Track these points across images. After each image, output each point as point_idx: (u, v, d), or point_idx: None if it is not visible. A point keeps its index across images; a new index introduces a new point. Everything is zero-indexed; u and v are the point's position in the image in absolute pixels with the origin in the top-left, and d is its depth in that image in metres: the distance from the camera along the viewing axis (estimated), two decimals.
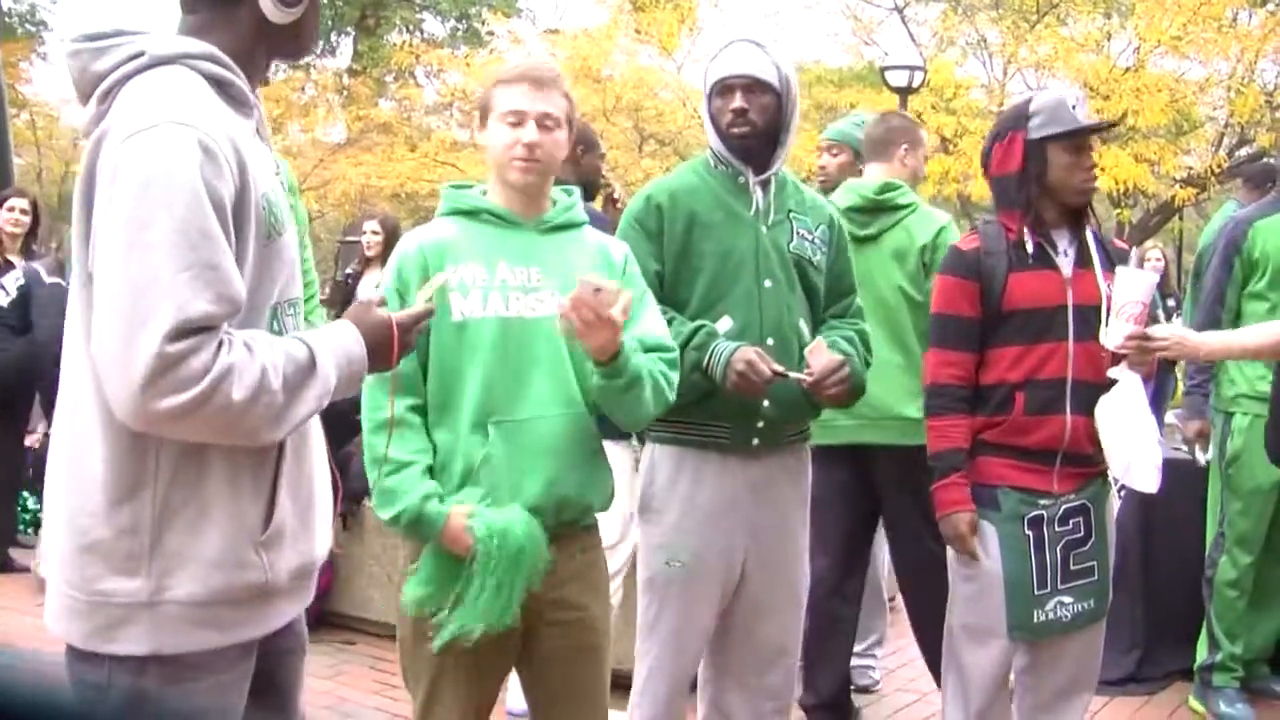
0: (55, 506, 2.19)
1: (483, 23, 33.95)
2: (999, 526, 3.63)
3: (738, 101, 3.52)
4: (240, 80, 2.20)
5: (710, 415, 3.48)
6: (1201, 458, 5.30)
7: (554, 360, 3.02)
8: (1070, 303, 3.62)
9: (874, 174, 4.81)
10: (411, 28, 37.44)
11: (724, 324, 3.46)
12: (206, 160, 2.02)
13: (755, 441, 3.53)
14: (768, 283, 3.52)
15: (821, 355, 3.44)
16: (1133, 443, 3.63)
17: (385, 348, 2.33)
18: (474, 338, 2.98)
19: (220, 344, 2.00)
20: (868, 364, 3.70)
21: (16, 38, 29.43)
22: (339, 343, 2.22)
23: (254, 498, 2.19)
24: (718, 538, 3.54)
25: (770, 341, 3.47)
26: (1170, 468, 5.10)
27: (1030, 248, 3.63)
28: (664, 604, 3.57)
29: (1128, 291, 3.56)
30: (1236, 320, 5.05)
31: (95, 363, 2.02)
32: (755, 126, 3.52)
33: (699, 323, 3.47)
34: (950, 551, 3.76)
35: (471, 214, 3.11)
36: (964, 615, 3.75)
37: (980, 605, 3.69)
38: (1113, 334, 3.56)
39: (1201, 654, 5.15)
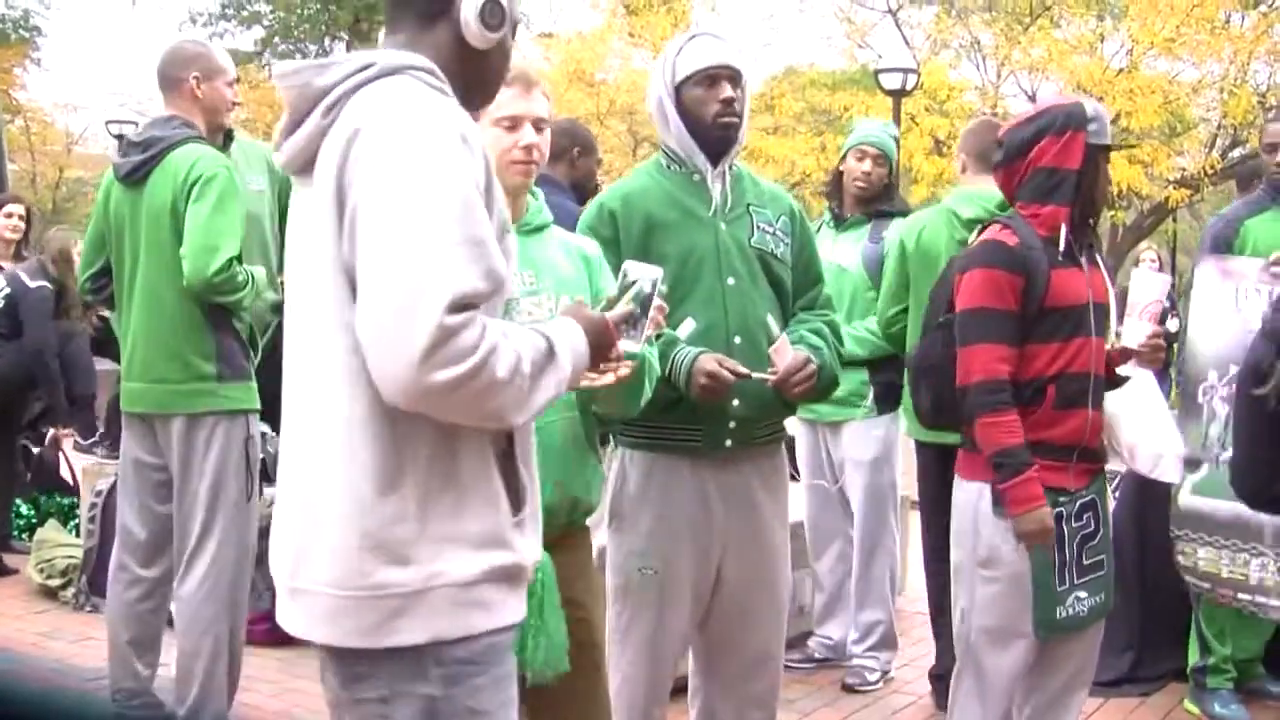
0: (308, 508, 2.20)
1: None
2: None
3: (728, 91, 3.47)
4: (453, 97, 2.24)
5: (680, 419, 3.43)
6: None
7: None
8: (1091, 300, 3.65)
9: (987, 185, 4.72)
10: None
11: (686, 327, 3.40)
12: (465, 147, 2.11)
13: (728, 443, 3.48)
14: (731, 280, 3.47)
15: (786, 353, 3.41)
16: (1158, 436, 3.74)
17: (601, 348, 2.38)
18: None
19: (483, 322, 2.04)
20: (840, 355, 3.66)
21: (10, 43, 29.45)
22: (569, 337, 2.27)
23: (502, 482, 2.23)
24: (691, 544, 3.49)
25: (738, 340, 3.43)
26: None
27: (1063, 245, 3.64)
28: (637, 611, 3.52)
29: (1148, 292, 3.68)
30: None
31: (365, 343, 2.05)
32: (740, 117, 3.51)
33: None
34: (964, 558, 3.72)
35: None
36: (984, 618, 3.72)
37: (1003, 606, 3.67)
38: (1135, 332, 3.64)
39: (1194, 656, 5.14)
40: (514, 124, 3.02)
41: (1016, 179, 3.72)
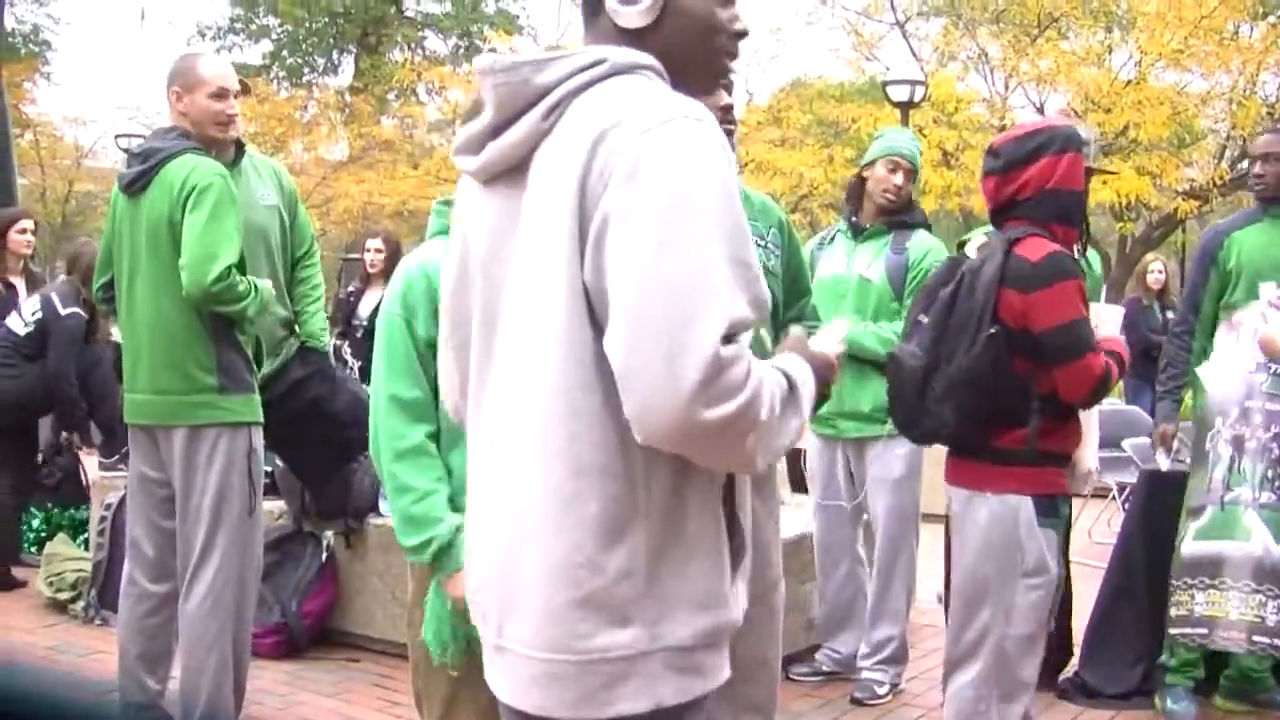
0: (515, 559, 1.97)
1: (484, 40, 34.07)
2: (1059, 533, 3.78)
3: (725, 99, 3.43)
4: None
5: None
6: (1164, 462, 5.33)
7: None
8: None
9: None
10: (413, 45, 37.58)
11: None
12: (724, 154, 1.89)
13: None
14: None
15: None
16: (1090, 452, 3.98)
17: (825, 385, 2.13)
18: None
19: (749, 355, 1.84)
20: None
21: (20, 58, 29.50)
22: (804, 375, 2.01)
23: (724, 531, 2.02)
24: None
25: None
26: (1178, 480, 5.12)
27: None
28: None
29: (1105, 326, 3.87)
30: (1211, 329, 5.09)
31: (623, 374, 1.81)
32: (735, 124, 3.50)
33: None
34: (1002, 569, 3.72)
35: None
36: (1024, 626, 3.75)
37: (1042, 611, 3.77)
38: None
39: (1162, 655, 5.14)
40: None
41: (1011, 190, 3.71)
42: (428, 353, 2.90)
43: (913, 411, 3.80)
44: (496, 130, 1.99)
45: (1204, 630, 4.74)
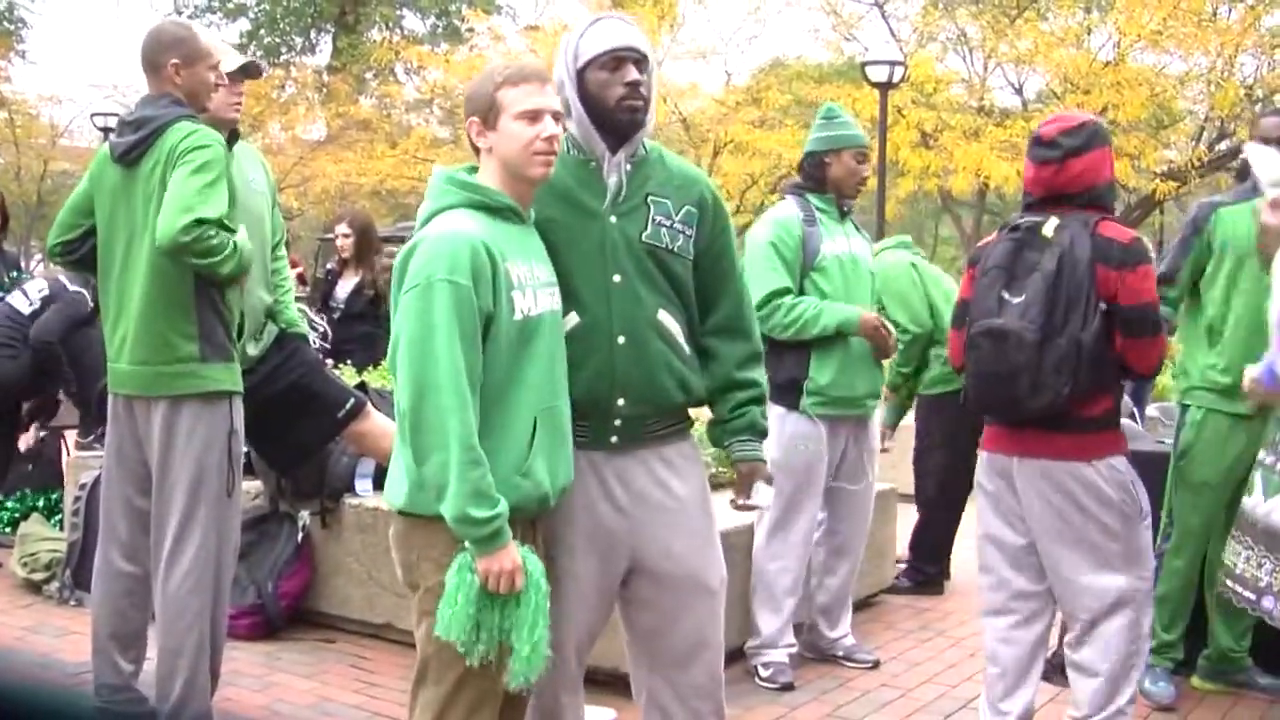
0: None
1: (463, 19, 34.02)
2: None
3: (634, 74, 3.35)
4: None
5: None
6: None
7: (563, 351, 3.24)
8: None
9: None
10: (391, 24, 37.44)
11: (570, 320, 3.32)
12: None
13: (614, 440, 3.40)
14: (617, 278, 3.35)
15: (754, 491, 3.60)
16: None
17: None
18: (531, 335, 3.09)
19: None
20: (764, 398, 3.63)
21: None
22: None
23: None
24: (593, 534, 3.40)
25: (622, 340, 3.34)
26: (1159, 460, 5.11)
27: None
28: None
29: None
30: (1194, 302, 5.10)
31: None
32: (646, 101, 3.39)
33: None
34: (1129, 521, 4.07)
35: (495, 210, 3.13)
36: (1149, 565, 4.19)
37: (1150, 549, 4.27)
38: None
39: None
40: (535, 116, 3.11)
41: (1064, 178, 4.05)
42: (481, 325, 2.97)
43: (1032, 385, 3.94)
44: None
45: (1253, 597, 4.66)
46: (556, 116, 3.15)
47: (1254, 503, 4.36)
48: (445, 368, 2.91)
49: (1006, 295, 4.02)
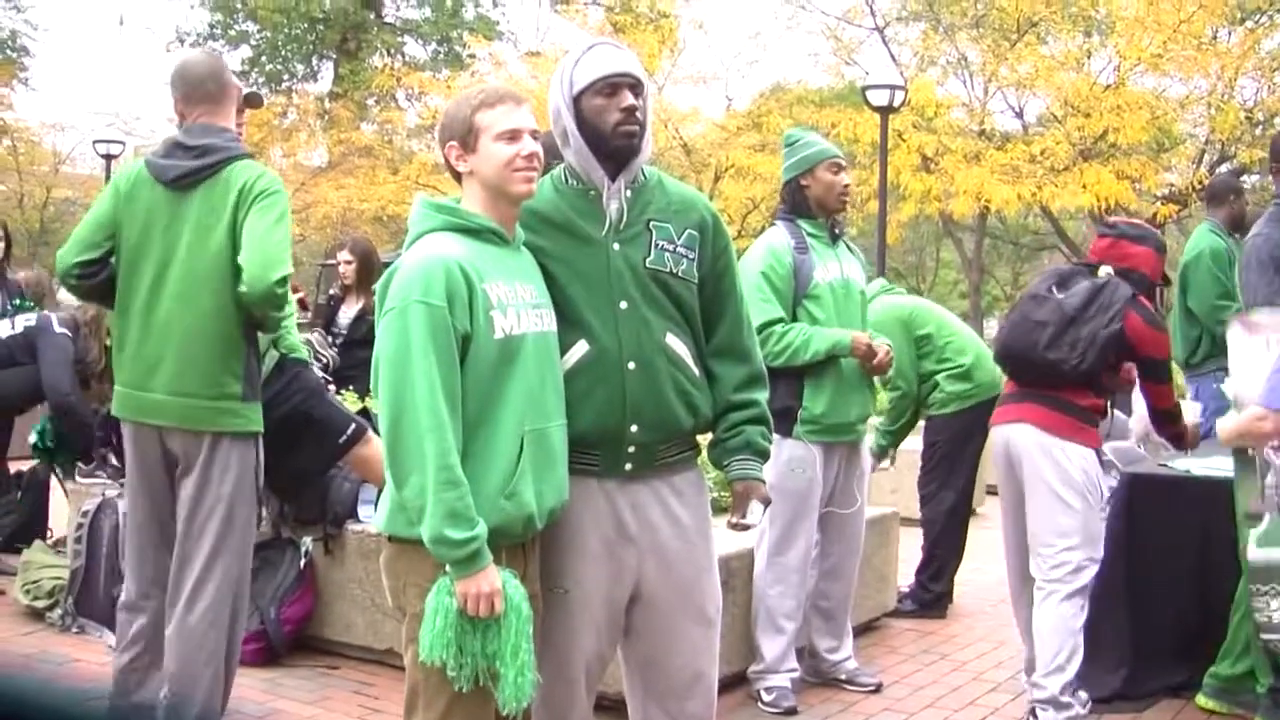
0: None
1: (464, 46, 34.07)
2: None
3: (629, 99, 3.36)
4: None
5: (577, 445, 3.33)
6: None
7: (556, 373, 3.23)
8: None
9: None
10: (393, 51, 37.54)
11: (578, 349, 3.33)
12: None
13: (628, 467, 3.40)
14: (623, 304, 3.35)
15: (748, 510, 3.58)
16: None
17: None
18: (513, 354, 3.09)
19: None
20: (766, 419, 3.62)
21: None
22: None
23: None
24: (603, 562, 3.40)
25: (632, 365, 3.34)
26: (1161, 483, 5.12)
27: None
28: (548, 631, 3.41)
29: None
30: None
31: None
32: (643, 126, 3.40)
33: None
34: (1092, 503, 4.86)
35: (475, 232, 3.15)
36: (1099, 550, 4.97)
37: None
38: None
39: (1266, 678, 4.99)
40: (514, 135, 3.14)
41: (1117, 252, 5.07)
42: (459, 345, 2.98)
43: (1052, 339, 4.84)
44: None
45: None
46: (534, 134, 3.18)
47: (1255, 554, 4.49)
48: (421, 390, 2.92)
49: (1054, 289, 4.94)
